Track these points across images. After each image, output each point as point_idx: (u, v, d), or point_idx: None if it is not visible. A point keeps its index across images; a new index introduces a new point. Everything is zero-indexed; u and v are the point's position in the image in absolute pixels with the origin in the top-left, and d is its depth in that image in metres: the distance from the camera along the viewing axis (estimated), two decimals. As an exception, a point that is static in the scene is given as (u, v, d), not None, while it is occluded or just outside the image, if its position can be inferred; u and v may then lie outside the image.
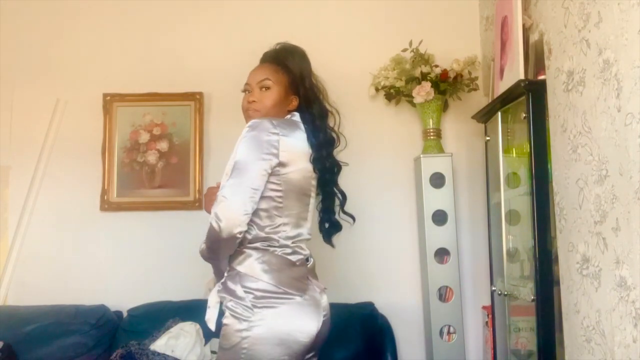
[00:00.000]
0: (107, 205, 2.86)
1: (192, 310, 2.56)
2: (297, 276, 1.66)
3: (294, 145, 1.67)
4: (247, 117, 1.78)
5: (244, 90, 1.83)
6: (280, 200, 1.64)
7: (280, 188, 1.64)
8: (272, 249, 1.64)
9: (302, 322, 1.61)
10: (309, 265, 1.74)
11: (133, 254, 2.85)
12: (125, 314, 2.74)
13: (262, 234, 1.64)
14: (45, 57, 2.98)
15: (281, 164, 1.63)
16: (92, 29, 2.99)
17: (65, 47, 2.99)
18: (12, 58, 2.95)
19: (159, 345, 2.36)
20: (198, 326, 2.45)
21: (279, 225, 1.65)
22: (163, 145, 2.89)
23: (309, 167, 1.72)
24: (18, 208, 2.86)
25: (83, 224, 2.87)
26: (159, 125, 2.91)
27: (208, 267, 1.77)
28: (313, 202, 1.78)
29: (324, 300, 1.73)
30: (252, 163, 1.59)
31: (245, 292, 1.59)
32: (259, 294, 1.59)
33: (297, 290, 1.63)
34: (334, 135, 1.83)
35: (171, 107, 2.91)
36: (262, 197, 1.62)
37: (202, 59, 2.95)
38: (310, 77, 1.82)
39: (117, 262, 2.84)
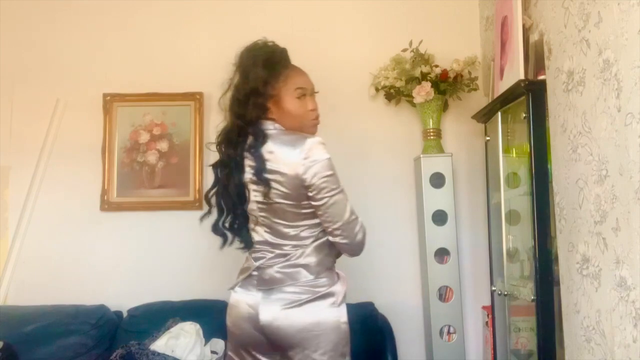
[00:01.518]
0: (107, 205, 2.86)
1: (192, 310, 2.57)
2: (245, 273, 1.73)
3: None
4: (312, 128, 1.71)
5: (302, 95, 1.68)
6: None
7: None
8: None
9: (229, 311, 1.74)
10: (260, 273, 1.68)
11: (133, 254, 2.85)
12: (125, 314, 2.73)
13: None
14: (45, 57, 2.98)
15: None
16: (92, 28, 2.99)
17: (65, 47, 2.98)
18: (12, 58, 2.95)
19: (159, 345, 2.36)
20: (198, 326, 2.45)
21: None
22: (163, 145, 2.89)
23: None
24: (18, 208, 2.86)
25: (83, 224, 2.87)
26: (159, 125, 2.91)
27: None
28: (258, 206, 1.69)
29: (257, 302, 1.64)
30: None
31: None
32: None
33: (235, 284, 1.75)
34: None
35: (171, 107, 2.91)
36: None
37: (202, 59, 2.94)
38: None
39: (117, 262, 2.84)
